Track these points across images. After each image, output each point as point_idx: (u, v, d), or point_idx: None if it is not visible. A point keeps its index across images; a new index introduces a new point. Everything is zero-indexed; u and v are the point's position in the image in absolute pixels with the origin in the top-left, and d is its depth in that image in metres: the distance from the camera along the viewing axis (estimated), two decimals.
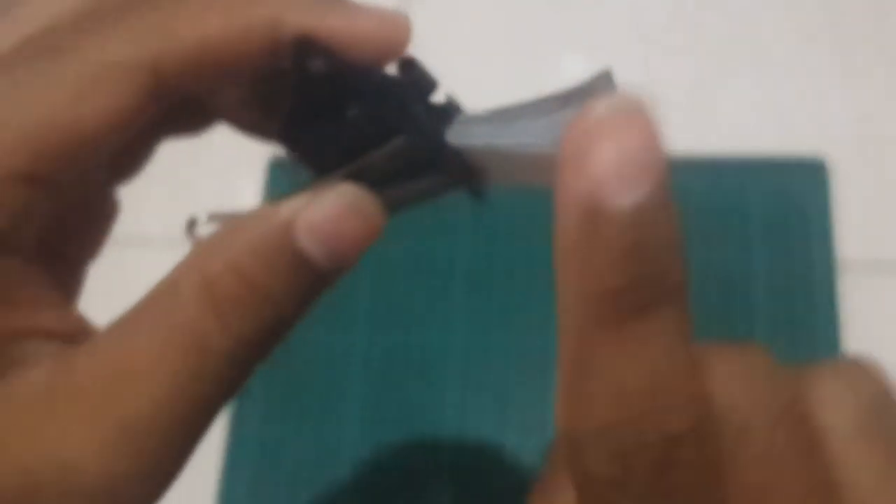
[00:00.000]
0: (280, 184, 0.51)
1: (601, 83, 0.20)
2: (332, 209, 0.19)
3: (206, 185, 0.52)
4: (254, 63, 0.21)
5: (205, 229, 0.21)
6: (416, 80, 0.21)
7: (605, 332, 0.16)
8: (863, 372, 0.20)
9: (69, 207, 0.22)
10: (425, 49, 0.55)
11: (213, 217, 0.21)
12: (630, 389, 0.16)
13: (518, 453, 0.44)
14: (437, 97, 0.21)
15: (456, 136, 0.20)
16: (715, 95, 0.51)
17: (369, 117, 0.20)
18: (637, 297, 0.16)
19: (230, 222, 0.20)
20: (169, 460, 0.20)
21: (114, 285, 0.51)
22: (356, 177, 0.20)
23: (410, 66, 0.21)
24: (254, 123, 0.25)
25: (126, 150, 0.23)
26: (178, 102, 0.21)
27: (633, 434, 0.16)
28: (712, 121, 0.50)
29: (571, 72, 0.53)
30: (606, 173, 0.15)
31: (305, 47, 0.20)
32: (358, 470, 0.44)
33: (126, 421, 0.19)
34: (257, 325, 0.20)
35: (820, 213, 0.47)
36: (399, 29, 0.22)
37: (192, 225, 0.21)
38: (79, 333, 0.21)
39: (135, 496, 0.20)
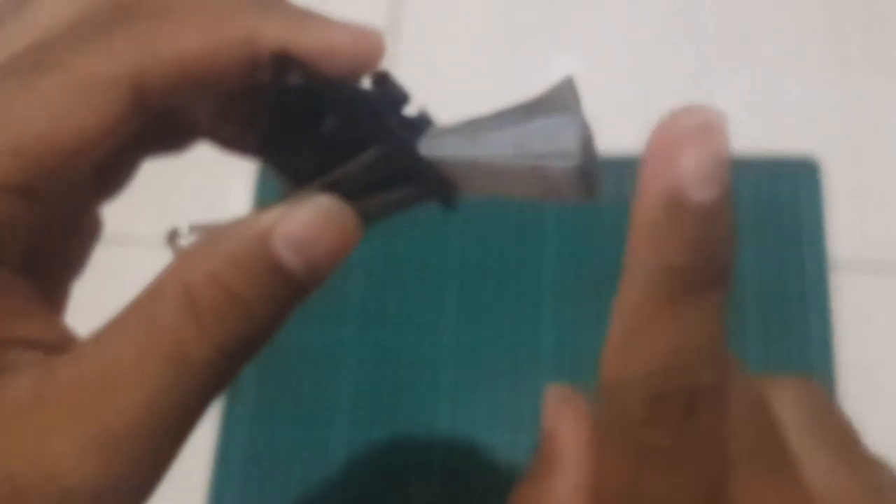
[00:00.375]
0: (270, 184, 0.51)
1: (564, 91, 0.20)
2: (308, 220, 0.20)
3: (196, 186, 0.52)
4: (232, 77, 0.22)
5: (186, 240, 0.22)
6: (389, 93, 0.22)
7: (667, 300, 0.19)
8: (809, 385, 0.24)
9: (53, 221, 0.23)
10: (418, 49, 0.55)
11: (195, 228, 0.22)
12: (676, 346, 0.19)
13: (508, 452, 0.44)
14: (410, 110, 0.21)
15: (428, 148, 0.21)
16: (707, 94, 0.51)
17: (344, 130, 0.20)
18: (699, 276, 0.19)
19: (211, 233, 0.21)
20: (151, 465, 0.20)
21: (105, 285, 0.50)
22: (332, 187, 0.20)
23: (383, 81, 0.22)
24: (232, 138, 0.26)
25: (109, 167, 0.24)
26: (160, 118, 0.22)
27: (671, 380, 0.19)
28: None
29: (564, 71, 0.53)
30: (690, 173, 0.19)
31: (282, 62, 0.21)
32: (348, 470, 0.44)
33: (108, 427, 0.19)
34: (237, 333, 0.20)
35: (812, 212, 0.47)
36: (372, 43, 0.22)
37: (173, 235, 0.22)
38: (64, 343, 0.22)
39: (118, 501, 0.20)
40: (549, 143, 0.20)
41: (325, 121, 0.20)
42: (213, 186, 0.52)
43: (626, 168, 0.49)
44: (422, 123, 0.21)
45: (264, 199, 0.51)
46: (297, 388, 0.46)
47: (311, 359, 0.46)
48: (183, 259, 0.21)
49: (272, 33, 0.21)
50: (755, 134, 0.50)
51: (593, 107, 0.54)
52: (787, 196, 0.48)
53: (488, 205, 0.49)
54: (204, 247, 0.20)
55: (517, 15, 0.54)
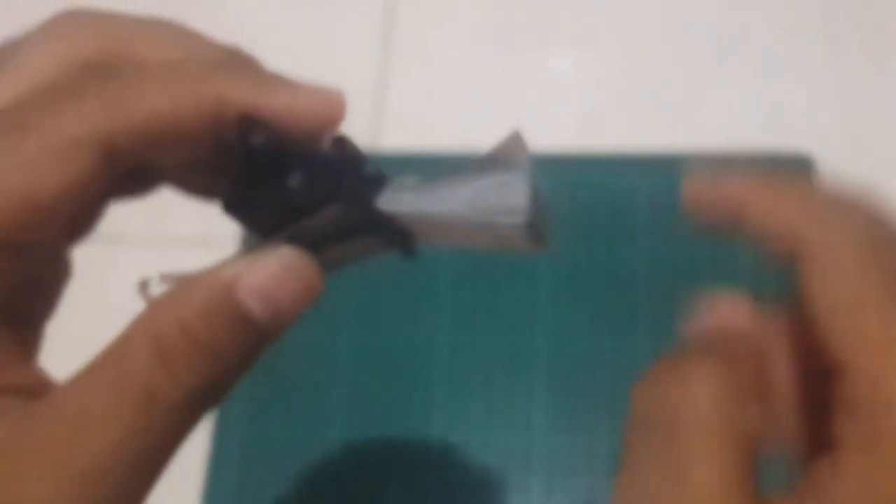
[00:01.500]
0: None
1: (513, 145, 0.21)
2: (271, 271, 0.21)
3: None
4: (200, 136, 0.23)
5: (157, 289, 0.23)
6: (348, 154, 0.23)
7: None
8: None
9: (27, 269, 0.24)
10: (414, 46, 0.55)
11: (165, 277, 0.23)
12: None
13: (503, 451, 0.44)
14: (368, 168, 0.23)
15: (387, 202, 0.22)
16: (701, 92, 0.51)
17: (307, 187, 0.21)
18: None
19: (180, 282, 0.22)
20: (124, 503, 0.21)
21: (96, 283, 0.50)
22: (296, 239, 0.22)
23: (342, 143, 0.23)
24: (200, 187, 0.27)
25: (78, 214, 0.25)
26: (129, 170, 0.23)
27: None
28: (698, 117, 0.50)
29: (560, 68, 0.53)
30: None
31: (248, 124, 0.22)
32: (344, 469, 0.44)
33: (81, 469, 0.20)
34: (204, 378, 0.21)
35: None
36: (334, 106, 0.23)
37: (144, 285, 0.23)
38: (41, 387, 0.23)
39: None
40: (500, 200, 0.21)
41: (288, 178, 0.22)
42: None
43: (619, 165, 0.49)
44: (379, 180, 0.22)
45: None
46: (293, 389, 0.46)
47: (306, 359, 0.46)
48: (153, 307, 0.22)
49: (239, 95, 0.22)
50: (749, 131, 0.50)
51: (592, 103, 0.54)
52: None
53: None
54: (173, 296, 0.22)
55: (514, 10, 0.54)
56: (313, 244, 0.22)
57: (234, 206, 0.22)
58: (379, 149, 0.51)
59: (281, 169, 0.22)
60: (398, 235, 0.23)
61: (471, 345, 0.46)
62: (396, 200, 0.22)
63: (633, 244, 0.47)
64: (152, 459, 0.21)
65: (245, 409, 0.46)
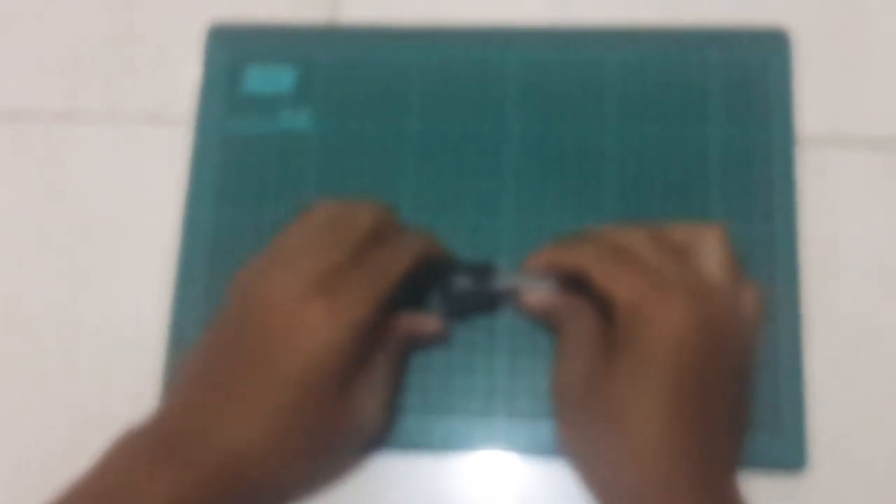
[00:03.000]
0: (220, 51, 0.49)
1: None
2: (433, 323, 0.43)
3: (144, 60, 0.50)
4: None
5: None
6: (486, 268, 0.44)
7: None
8: (722, 232, 0.40)
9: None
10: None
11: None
12: None
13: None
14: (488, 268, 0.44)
15: (496, 283, 0.43)
16: None
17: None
18: None
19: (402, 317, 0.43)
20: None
21: (50, 164, 0.49)
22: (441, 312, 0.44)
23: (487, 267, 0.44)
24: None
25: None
26: None
27: None
28: None
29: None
30: None
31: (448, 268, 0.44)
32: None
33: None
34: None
35: (780, 84, 0.46)
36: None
37: None
38: None
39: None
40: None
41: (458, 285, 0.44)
42: (163, 59, 0.50)
43: (590, 39, 0.48)
44: (491, 271, 0.44)
45: (213, 76, 0.48)
46: (269, 162, 0.45)
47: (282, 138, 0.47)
48: None
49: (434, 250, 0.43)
50: (725, 4, 0.48)
51: None
52: (756, 68, 0.47)
53: (446, 83, 0.47)
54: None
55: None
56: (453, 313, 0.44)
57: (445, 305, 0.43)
58: (338, 22, 0.49)
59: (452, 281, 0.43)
60: (496, 301, 0.44)
61: (435, 225, 0.45)
62: (503, 283, 0.43)
63: (602, 120, 0.46)
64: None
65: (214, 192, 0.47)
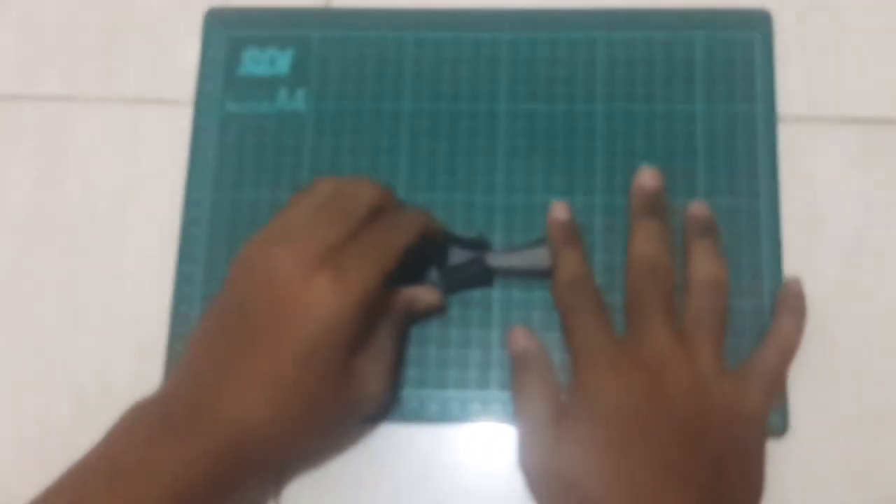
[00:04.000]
0: (218, 34, 0.49)
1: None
2: (429, 293, 0.44)
3: (141, 38, 0.50)
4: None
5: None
6: (481, 243, 0.46)
7: None
8: None
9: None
10: None
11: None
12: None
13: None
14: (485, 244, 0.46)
15: (492, 260, 0.45)
16: None
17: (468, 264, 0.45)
18: None
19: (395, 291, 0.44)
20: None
21: (47, 145, 0.49)
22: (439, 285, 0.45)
23: (481, 239, 0.46)
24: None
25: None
26: None
27: None
28: None
29: None
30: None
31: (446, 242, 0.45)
32: None
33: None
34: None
35: (763, 63, 0.47)
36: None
37: None
38: None
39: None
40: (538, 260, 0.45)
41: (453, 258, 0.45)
42: (161, 42, 0.50)
43: (579, 19, 0.49)
44: (485, 245, 0.46)
45: (211, 58, 0.49)
46: (266, 143, 0.46)
47: (278, 118, 0.48)
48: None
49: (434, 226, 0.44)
50: None
51: None
52: (740, 47, 0.48)
53: (439, 63, 0.48)
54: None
55: None
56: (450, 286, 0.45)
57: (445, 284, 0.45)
58: (334, 4, 0.50)
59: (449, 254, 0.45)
60: (490, 276, 0.45)
61: (430, 202, 0.46)
62: (497, 260, 0.45)
63: (591, 99, 0.47)
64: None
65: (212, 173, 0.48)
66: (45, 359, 0.46)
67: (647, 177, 0.45)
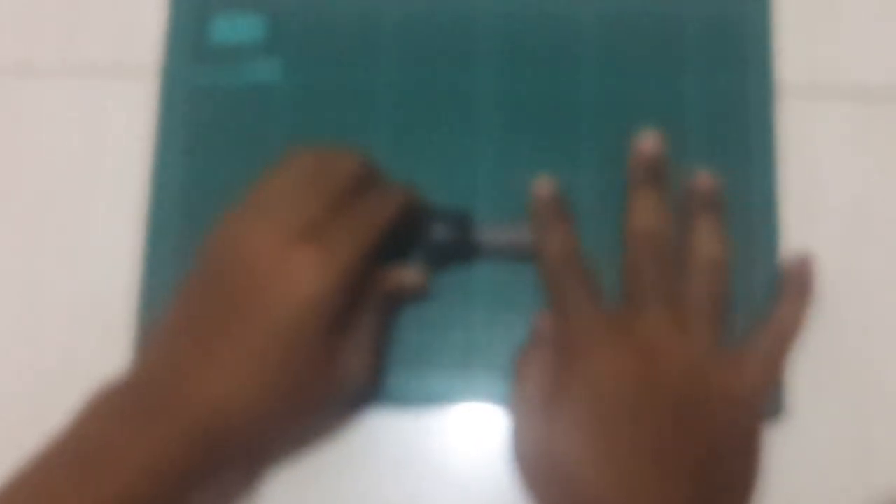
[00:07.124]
0: (185, 7, 0.47)
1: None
2: (413, 273, 0.42)
3: (103, 10, 0.48)
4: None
5: None
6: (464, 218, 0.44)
7: None
8: None
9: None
10: None
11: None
12: None
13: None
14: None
15: (477, 234, 0.44)
16: None
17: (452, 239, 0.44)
18: None
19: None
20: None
21: (4, 118, 0.47)
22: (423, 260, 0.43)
23: (466, 217, 0.44)
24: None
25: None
26: None
27: None
28: None
29: None
30: None
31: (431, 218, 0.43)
32: None
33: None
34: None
35: (759, 34, 0.46)
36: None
37: None
38: None
39: None
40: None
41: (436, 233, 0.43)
42: (124, 6, 0.48)
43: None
44: (469, 223, 0.44)
45: (178, 25, 0.47)
46: (238, 117, 0.46)
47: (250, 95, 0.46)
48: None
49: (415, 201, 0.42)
50: None
51: None
52: (735, 17, 0.47)
53: (421, 33, 0.47)
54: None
55: None
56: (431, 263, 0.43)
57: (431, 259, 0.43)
58: None
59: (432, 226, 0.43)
60: (475, 252, 0.44)
61: (411, 180, 0.45)
62: (482, 235, 0.43)
63: (579, 71, 0.46)
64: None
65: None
66: (8, 346, 0.44)
67: (647, 141, 0.43)
